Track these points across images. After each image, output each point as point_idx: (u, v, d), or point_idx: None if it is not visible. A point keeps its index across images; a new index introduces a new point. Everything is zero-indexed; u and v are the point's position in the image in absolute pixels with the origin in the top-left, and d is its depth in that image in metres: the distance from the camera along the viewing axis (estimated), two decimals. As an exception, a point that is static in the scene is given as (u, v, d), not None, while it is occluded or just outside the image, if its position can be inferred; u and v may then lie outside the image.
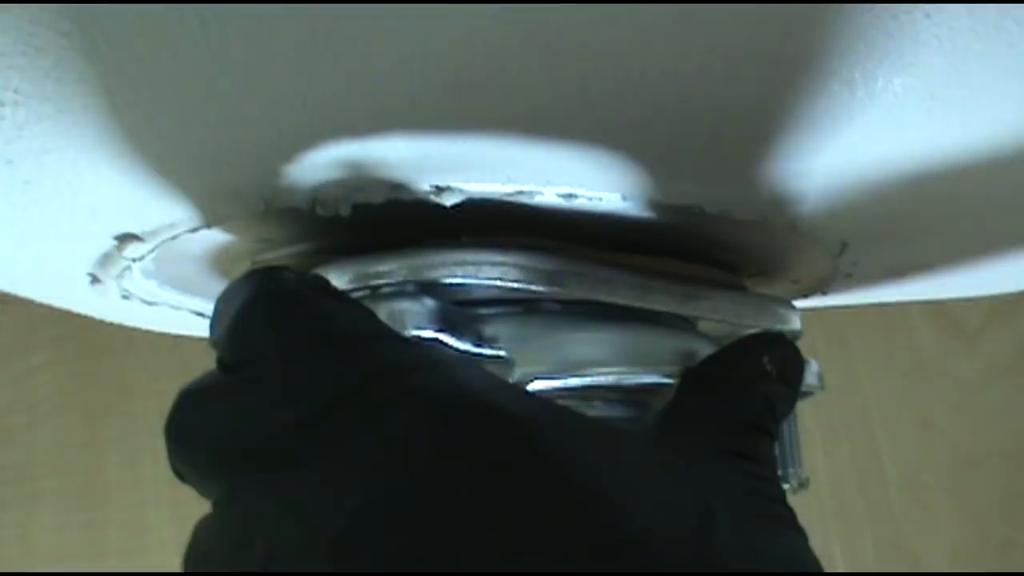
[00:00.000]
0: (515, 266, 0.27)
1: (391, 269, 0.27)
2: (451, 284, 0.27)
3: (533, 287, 0.27)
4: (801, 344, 0.32)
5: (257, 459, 0.21)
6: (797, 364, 0.29)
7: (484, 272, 0.27)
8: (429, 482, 0.20)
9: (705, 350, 0.30)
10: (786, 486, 0.32)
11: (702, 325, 0.33)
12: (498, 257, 0.27)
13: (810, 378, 0.34)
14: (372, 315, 0.24)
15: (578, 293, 0.28)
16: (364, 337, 0.23)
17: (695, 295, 0.30)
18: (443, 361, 0.23)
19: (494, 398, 0.22)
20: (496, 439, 0.21)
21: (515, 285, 0.27)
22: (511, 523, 0.20)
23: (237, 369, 0.23)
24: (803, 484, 0.33)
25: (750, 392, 0.27)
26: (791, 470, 0.33)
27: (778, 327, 0.33)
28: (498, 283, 0.27)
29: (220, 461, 0.22)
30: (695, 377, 0.28)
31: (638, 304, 0.29)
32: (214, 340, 0.24)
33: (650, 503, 0.21)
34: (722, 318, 0.31)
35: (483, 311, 0.28)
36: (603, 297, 0.28)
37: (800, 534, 0.24)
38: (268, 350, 0.22)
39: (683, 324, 0.32)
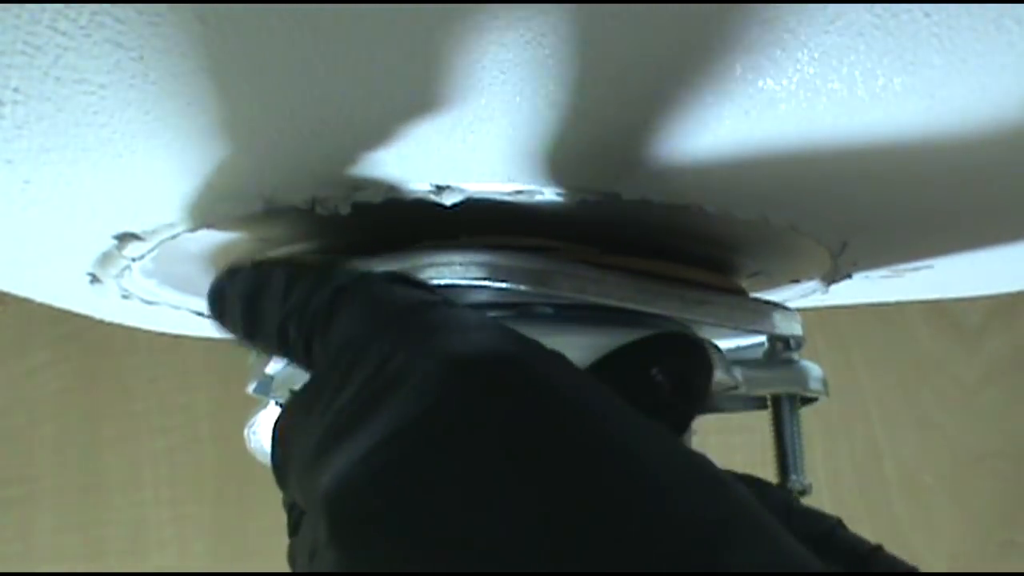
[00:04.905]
0: (503, 267, 0.27)
1: (380, 269, 0.27)
2: (442, 285, 0.27)
3: (522, 287, 0.27)
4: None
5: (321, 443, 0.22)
6: (696, 372, 0.26)
7: (472, 272, 0.27)
8: (438, 428, 0.20)
9: None
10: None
11: (703, 330, 0.33)
12: (486, 257, 0.27)
13: (814, 384, 0.34)
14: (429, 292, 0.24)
15: (567, 293, 0.28)
16: (410, 309, 0.23)
17: (692, 299, 0.30)
18: (459, 319, 0.22)
19: (512, 349, 0.21)
20: (501, 386, 0.20)
21: (503, 285, 0.27)
22: (522, 468, 0.19)
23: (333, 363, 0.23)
24: (805, 491, 0.33)
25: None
26: (793, 477, 0.33)
27: (778, 332, 0.33)
28: (487, 283, 0.27)
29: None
30: None
31: (631, 306, 0.29)
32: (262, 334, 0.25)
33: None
34: (720, 323, 0.31)
35: None
36: (593, 298, 0.28)
37: None
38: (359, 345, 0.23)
39: (682, 329, 0.31)
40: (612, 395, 0.21)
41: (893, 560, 0.28)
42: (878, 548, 0.28)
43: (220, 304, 0.27)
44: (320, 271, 0.25)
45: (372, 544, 0.19)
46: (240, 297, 0.26)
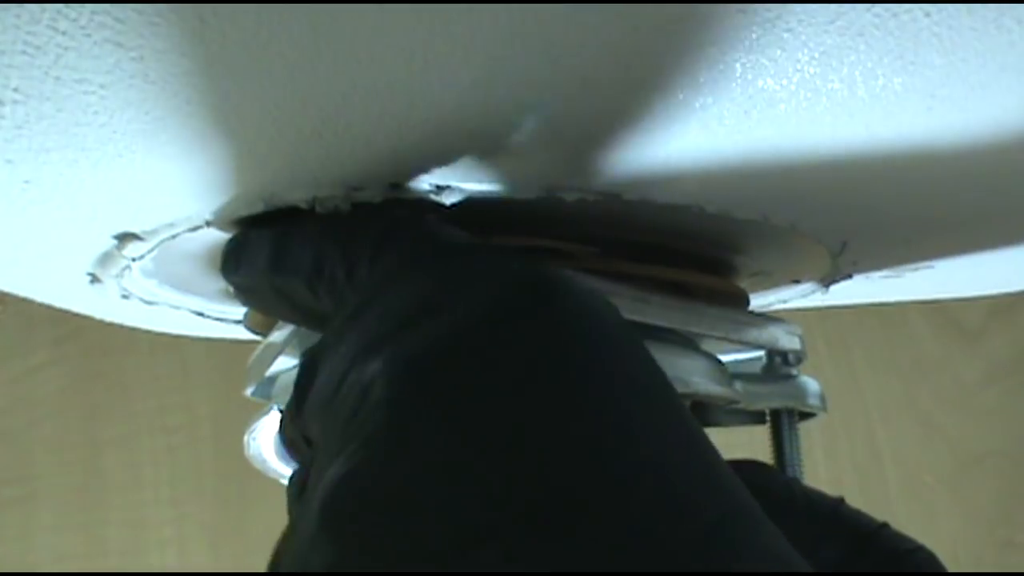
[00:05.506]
0: None
1: None
2: None
3: None
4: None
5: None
6: None
7: None
8: (466, 346, 0.21)
9: (702, 368, 0.30)
10: None
11: (705, 343, 0.33)
12: None
13: (812, 400, 0.34)
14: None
15: None
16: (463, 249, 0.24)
17: (696, 312, 0.30)
18: (505, 262, 0.23)
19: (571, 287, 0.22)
20: (529, 320, 0.21)
21: None
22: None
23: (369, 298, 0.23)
24: None
25: None
26: None
27: (779, 347, 0.33)
28: None
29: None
30: None
31: (637, 319, 0.29)
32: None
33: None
34: (723, 336, 0.31)
35: None
36: None
37: None
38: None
39: (684, 341, 0.31)
40: (647, 356, 0.22)
41: (899, 538, 0.29)
42: (884, 525, 0.29)
43: (239, 251, 0.27)
44: (372, 205, 0.25)
45: (404, 446, 0.20)
46: (270, 237, 0.26)
